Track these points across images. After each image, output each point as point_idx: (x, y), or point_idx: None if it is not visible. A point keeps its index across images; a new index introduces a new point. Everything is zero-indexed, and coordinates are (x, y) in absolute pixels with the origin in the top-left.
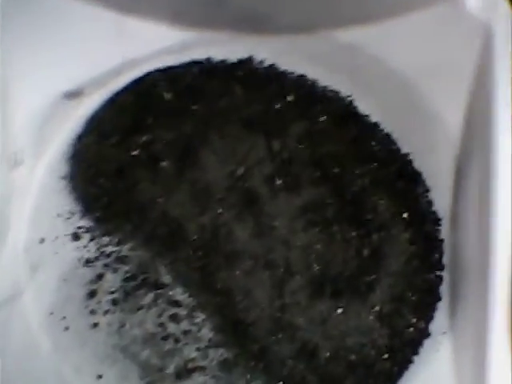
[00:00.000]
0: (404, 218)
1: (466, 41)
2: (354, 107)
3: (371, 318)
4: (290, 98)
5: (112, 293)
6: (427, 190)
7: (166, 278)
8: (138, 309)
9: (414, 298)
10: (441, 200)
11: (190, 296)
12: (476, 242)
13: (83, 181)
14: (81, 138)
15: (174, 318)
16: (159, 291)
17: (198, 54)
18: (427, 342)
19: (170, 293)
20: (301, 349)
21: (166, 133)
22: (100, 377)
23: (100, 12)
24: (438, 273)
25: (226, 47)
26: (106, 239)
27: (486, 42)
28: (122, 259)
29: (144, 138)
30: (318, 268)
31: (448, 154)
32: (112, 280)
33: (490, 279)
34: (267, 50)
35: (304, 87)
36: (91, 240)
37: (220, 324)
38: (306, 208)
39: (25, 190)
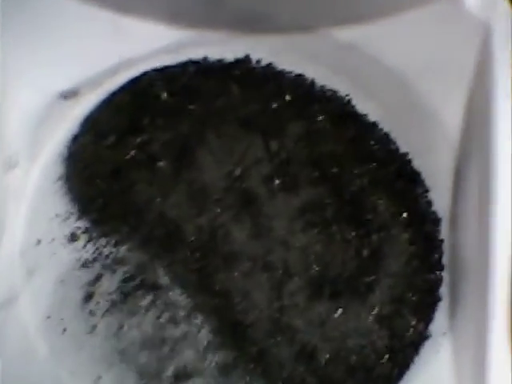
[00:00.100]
0: (403, 218)
1: (465, 39)
2: (353, 106)
3: (371, 319)
4: (287, 98)
5: (110, 295)
6: (426, 190)
7: (164, 280)
8: (136, 311)
9: (413, 298)
10: (440, 200)
11: (188, 298)
12: (476, 242)
13: (79, 182)
14: (77, 139)
15: (172, 321)
16: (157, 293)
17: (195, 54)
18: (427, 343)
19: (168, 294)
20: (300, 351)
21: (163, 133)
22: (97, 381)
23: (96, 11)
24: (437, 273)
25: (222, 47)
26: (103, 241)
27: (485, 40)
28: (119, 261)
29: (140, 139)
30: (316, 269)
31: (447, 153)
32: (109, 282)
33: (490, 279)
34: (264, 50)
35: (302, 87)
36: (88, 242)
37: (218, 326)
38: (304, 208)
39: (20, 192)
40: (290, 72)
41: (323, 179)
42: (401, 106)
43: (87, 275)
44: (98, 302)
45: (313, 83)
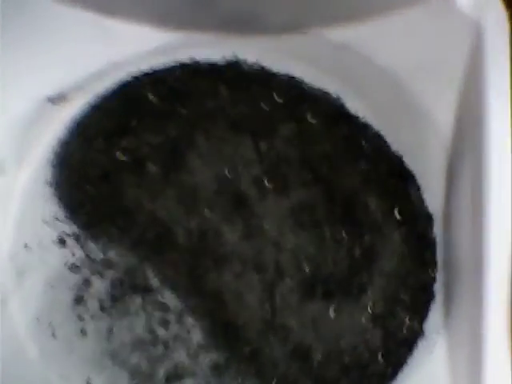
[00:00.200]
0: (396, 217)
1: (456, 39)
2: (344, 107)
3: (364, 318)
4: (277, 99)
5: (99, 298)
6: (419, 189)
7: (155, 282)
8: (127, 314)
9: (407, 297)
10: (433, 199)
11: (178, 300)
12: (469, 240)
13: (68, 186)
14: (65, 143)
15: (163, 323)
16: (147, 295)
17: (183, 56)
18: (421, 343)
19: (159, 297)
20: (293, 351)
21: (152, 136)
22: (88, 383)
23: (83, 15)
24: (431, 272)
25: (211, 48)
26: (92, 244)
27: (477, 39)
28: (109, 264)
29: (129, 142)
30: (308, 269)
31: (439, 152)
32: (99, 285)
33: (485, 278)
34: (254, 51)
35: (292, 87)
36: (77, 245)
37: (210, 327)
38: (295, 209)
39: (8, 197)
40: (280, 73)
41: (314, 180)
42: (392, 106)
43: (77, 278)
44: (87, 305)
45: (303, 84)
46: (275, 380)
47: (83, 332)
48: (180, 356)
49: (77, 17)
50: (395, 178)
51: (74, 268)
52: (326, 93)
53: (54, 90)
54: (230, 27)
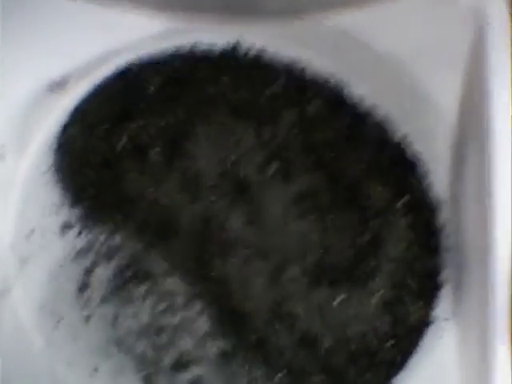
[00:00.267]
0: (402, 203)
1: (459, 23)
2: (346, 92)
3: (372, 305)
4: (279, 85)
5: (104, 285)
6: (425, 175)
7: (159, 269)
8: (132, 301)
9: (415, 284)
10: (439, 184)
11: (184, 287)
12: (477, 226)
13: (70, 172)
14: (66, 130)
15: (169, 310)
16: (152, 282)
17: (184, 42)
18: (430, 329)
19: (164, 284)
20: (300, 339)
21: (153, 122)
22: (95, 371)
23: (83, 2)
24: (438, 258)
25: (212, 34)
26: (96, 230)
27: (479, 23)
28: (113, 250)
29: (130, 128)
30: (314, 256)
31: (444, 138)
32: (103, 272)
33: (492, 263)
34: (255, 36)
35: (294, 73)
36: (81, 232)
37: (216, 315)
38: (300, 195)
39: (10, 183)
40: (282, 59)
41: (318, 166)
42: (396, 91)
43: (81, 265)
44: (92, 292)
45: (305, 69)
46: (282, 368)
47: (88, 320)
48: (186, 344)
49: (77, 4)
50: (399, 165)
51: (77, 255)
52: (327, 79)
53: (54, 77)
54: (229, 13)
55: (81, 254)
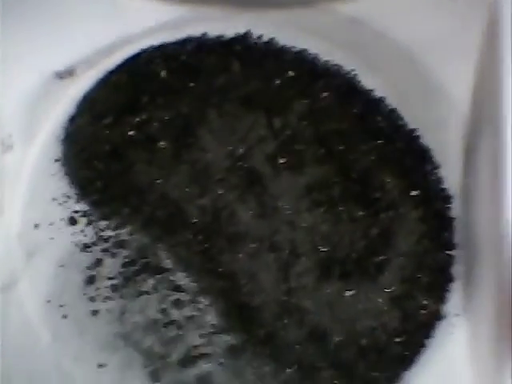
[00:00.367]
0: (413, 196)
1: (472, 12)
2: (358, 82)
3: (381, 300)
4: (290, 74)
5: (111, 278)
6: (436, 167)
7: (167, 263)
8: (139, 295)
9: (425, 278)
10: (451, 176)
11: (192, 281)
12: (489, 219)
13: (77, 163)
14: (74, 119)
15: (177, 304)
16: (160, 276)
17: (194, 30)
18: (441, 325)
19: (172, 278)
20: (309, 333)
21: (163, 112)
22: (101, 366)
23: None
24: (449, 252)
25: (222, 22)
26: (103, 223)
27: (493, 13)
28: (120, 244)
29: (139, 118)
30: (324, 249)
31: (457, 128)
32: (111, 265)
33: (504, 257)
34: (265, 25)
35: (305, 62)
36: (88, 224)
37: (224, 309)
38: (310, 187)
39: (17, 174)
40: (293, 47)
41: (329, 157)
42: (408, 81)
43: (88, 259)
44: (99, 286)
45: (316, 59)
46: (291, 363)
47: (95, 313)
48: (194, 339)
49: None
50: (411, 156)
51: (85, 248)
52: (339, 68)
53: (62, 65)
54: (240, 2)
55: (87, 247)
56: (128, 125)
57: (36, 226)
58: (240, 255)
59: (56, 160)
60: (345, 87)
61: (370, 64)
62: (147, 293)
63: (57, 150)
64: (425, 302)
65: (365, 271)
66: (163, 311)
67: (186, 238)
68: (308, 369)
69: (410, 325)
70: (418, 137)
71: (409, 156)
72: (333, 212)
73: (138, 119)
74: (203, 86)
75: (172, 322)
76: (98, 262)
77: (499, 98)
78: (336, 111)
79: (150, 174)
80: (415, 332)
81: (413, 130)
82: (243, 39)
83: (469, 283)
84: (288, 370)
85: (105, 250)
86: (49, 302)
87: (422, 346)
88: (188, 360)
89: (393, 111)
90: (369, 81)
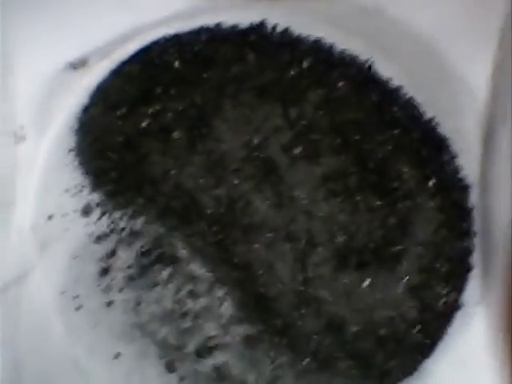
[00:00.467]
0: (430, 185)
1: (491, 2)
2: (374, 71)
3: (400, 289)
4: (305, 64)
5: (126, 269)
6: (454, 156)
7: (183, 253)
8: (154, 285)
9: (443, 268)
10: (469, 166)
11: (208, 271)
12: (508, 208)
13: (91, 154)
14: (87, 110)
15: (193, 294)
16: (176, 266)
17: (208, 20)
18: (459, 314)
19: (187, 268)
20: (327, 324)
21: (177, 102)
22: (116, 357)
23: None
24: (468, 241)
25: (237, 12)
26: (117, 214)
27: (511, 3)
28: (135, 234)
29: (153, 109)
30: (341, 239)
31: (475, 117)
32: (126, 256)
33: None
34: (280, 14)
35: (320, 52)
36: (102, 215)
37: (241, 299)
38: (327, 177)
39: (30, 165)
40: (308, 37)
41: (346, 147)
42: (425, 70)
43: (102, 249)
44: (114, 277)
45: (332, 48)
46: (308, 353)
47: (109, 305)
48: (210, 329)
49: None
50: (429, 145)
51: (99, 239)
52: (355, 57)
53: (75, 56)
54: None
55: (102, 237)
56: (142, 115)
57: (49, 217)
58: (256, 245)
59: (69, 151)
60: (361, 76)
61: (387, 53)
62: (162, 283)
63: (70, 141)
64: (443, 292)
65: (382, 261)
66: (179, 301)
67: (201, 229)
68: (325, 359)
69: (428, 314)
70: (435, 126)
71: (426, 145)
72: (350, 202)
73: (151, 110)
74: (218, 77)
75: (188, 313)
76: (113, 253)
77: None
78: (352, 101)
79: (164, 164)
80: (433, 321)
81: (430, 120)
82: (258, 29)
83: (487, 272)
84: (305, 361)
85: (119, 241)
86: (63, 293)
87: (441, 335)
88: (204, 350)
89: (410, 100)
90: (385, 70)
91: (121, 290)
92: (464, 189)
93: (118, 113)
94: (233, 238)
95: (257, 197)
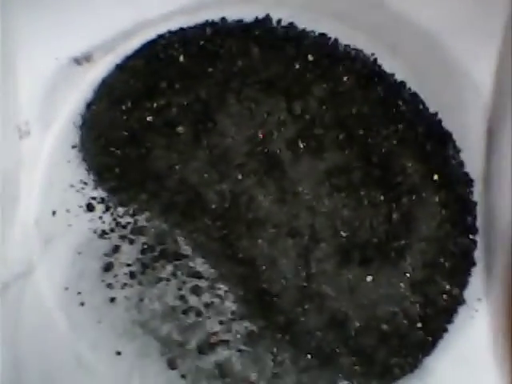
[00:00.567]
0: (434, 180)
1: None
2: (379, 66)
3: (402, 285)
4: (310, 58)
5: (129, 265)
6: (458, 151)
7: (186, 249)
8: (157, 281)
9: (446, 263)
10: (472, 161)
11: (211, 267)
12: (510, 205)
13: (95, 149)
14: (91, 105)
15: (195, 291)
16: (178, 263)
17: (213, 15)
18: (462, 310)
19: (190, 264)
20: (329, 320)
21: (181, 97)
22: (119, 353)
23: None
24: (471, 237)
25: (241, 6)
26: (121, 210)
27: None
28: (138, 230)
29: (157, 104)
30: (345, 234)
31: (479, 112)
32: (129, 252)
33: None
34: (285, 9)
35: (325, 46)
36: (106, 211)
37: (243, 295)
38: (330, 172)
39: (34, 161)
40: (312, 31)
41: (350, 141)
42: (429, 64)
43: (105, 245)
44: (117, 273)
45: (336, 42)
46: (311, 350)
47: (113, 300)
48: (213, 325)
49: None
50: (433, 140)
51: (102, 234)
52: (359, 51)
53: (79, 51)
54: None
55: (105, 234)
56: (146, 110)
57: (53, 212)
58: (259, 241)
59: (73, 146)
60: (365, 71)
61: (391, 48)
62: (165, 279)
63: (74, 137)
64: (446, 287)
65: (386, 256)
66: (181, 298)
67: (204, 224)
68: (328, 355)
69: (431, 310)
70: (439, 121)
71: (430, 140)
72: (353, 197)
73: (156, 104)
74: (222, 71)
75: (190, 309)
76: (116, 249)
77: None
78: (356, 95)
79: (168, 159)
80: (436, 317)
81: (434, 114)
82: (262, 23)
83: (490, 268)
84: (308, 357)
85: (123, 237)
86: (66, 289)
87: (444, 330)
88: (206, 347)
89: (414, 95)
90: (390, 65)
91: (124, 286)
92: (468, 184)
93: (122, 108)
94: (237, 233)
95: (260, 192)
